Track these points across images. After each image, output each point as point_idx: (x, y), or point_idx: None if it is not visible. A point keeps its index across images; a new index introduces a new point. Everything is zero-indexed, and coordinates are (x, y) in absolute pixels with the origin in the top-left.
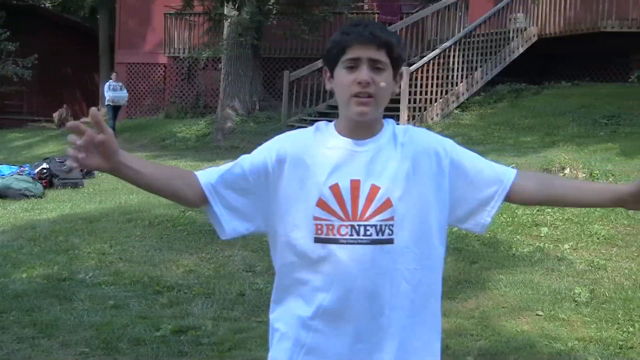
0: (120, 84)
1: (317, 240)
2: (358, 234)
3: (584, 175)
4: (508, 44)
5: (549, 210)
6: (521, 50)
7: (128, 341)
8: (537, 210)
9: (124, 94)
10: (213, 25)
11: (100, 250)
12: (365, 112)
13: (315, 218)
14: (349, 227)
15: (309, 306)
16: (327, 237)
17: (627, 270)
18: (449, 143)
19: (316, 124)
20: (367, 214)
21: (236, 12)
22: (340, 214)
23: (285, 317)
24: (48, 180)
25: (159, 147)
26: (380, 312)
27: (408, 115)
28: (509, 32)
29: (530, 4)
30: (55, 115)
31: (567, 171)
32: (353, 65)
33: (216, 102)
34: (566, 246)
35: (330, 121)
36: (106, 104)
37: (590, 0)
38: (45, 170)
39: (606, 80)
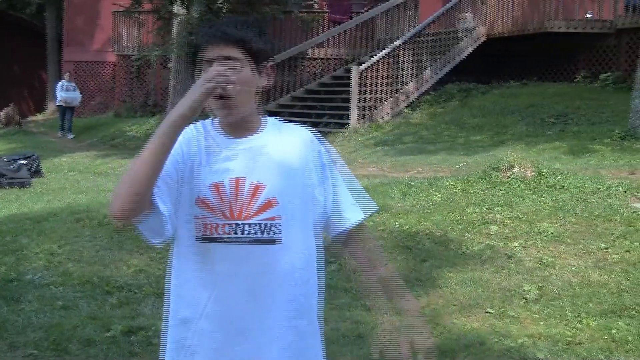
0: (74, 84)
1: (199, 239)
2: (241, 233)
3: (533, 173)
4: (457, 43)
5: (499, 208)
6: (470, 49)
7: (78, 342)
8: (487, 209)
9: (76, 94)
10: (162, 24)
11: (48, 250)
12: (227, 114)
13: (197, 217)
14: (231, 226)
15: (193, 307)
16: (210, 236)
17: (575, 267)
18: (332, 151)
19: (200, 121)
20: (250, 213)
21: (185, 11)
22: (223, 212)
23: (172, 318)
24: None
25: (108, 146)
26: (266, 312)
27: (358, 114)
28: (458, 32)
29: (479, 4)
30: (2, 113)
31: (515, 170)
32: (209, 67)
33: (166, 101)
34: (515, 244)
35: (213, 119)
36: (57, 104)
37: (537, 1)
38: None
39: (554, 80)
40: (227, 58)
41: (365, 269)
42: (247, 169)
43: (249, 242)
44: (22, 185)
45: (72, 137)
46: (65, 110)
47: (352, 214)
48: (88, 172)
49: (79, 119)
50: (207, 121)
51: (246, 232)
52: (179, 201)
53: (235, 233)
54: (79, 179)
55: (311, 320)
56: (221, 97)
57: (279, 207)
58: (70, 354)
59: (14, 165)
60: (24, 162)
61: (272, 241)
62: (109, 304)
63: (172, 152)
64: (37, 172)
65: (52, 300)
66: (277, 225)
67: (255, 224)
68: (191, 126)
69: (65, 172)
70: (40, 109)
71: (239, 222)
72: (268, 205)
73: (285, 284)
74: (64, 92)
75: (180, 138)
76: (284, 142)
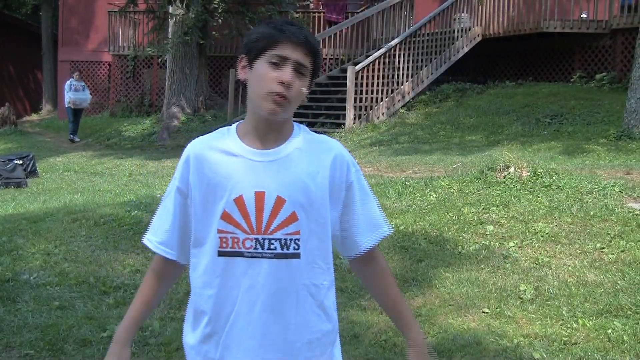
0: (83, 84)
1: (221, 253)
2: (262, 248)
3: (529, 173)
4: (453, 43)
5: (494, 208)
6: (466, 49)
7: (74, 342)
8: (483, 209)
9: (86, 95)
10: (158, 23)
11: (45, 250)
12: (276, 111)
13: (220, 231)
14: (254, 240)
15: (215, 322)
16: (232, 250)
17: (571, 267)
18: (356, 167)
19: (219, 130)
20: (272, 227)
21: (182, 11)
22: (245, 226)
23: (194, 334)
24: None
25: (103, 146)
26: (286, 327)
27: (354, 114)
28: (454, 32)
29: (475, 4)
30: None
31: (511, 170)
32: (279, 62)
33: (162, 101)
34: (511, 244)
35: (229, 124)
36: (66, 106)
37: (533, 1)
38: None
39: (549, 80)
40: (299, 64)
41: (374, 293)
42: (270, 182)
43: (271, 257)
44: (18, 185)
45: (78, 140)
46: (75, 112)
47: (366, 238)
48: (84, 172)
49: None
50: (224, 130)
51: (268, 246)
52: (192, 224)
53: (257, 248)
54: (75, 179)
55: (331, 330)
56: (277, 93)
57: (299, 222)
58: (67, 354)
59: (9, 165)
60: (19, 162)
61: (292, 256)
62: (105, 304)
63: (182, 190)
64: (32, 172)
65: (48, 300)
66: (297, 241)
67: (277, 239)
68: (205, 139)
69: (60, 172)
70: (35, 108)
71: (262, 236)
72: (289, 220)
73: (303, 299)
74: (73, 92)
75: (184, 166)
76: (309, 156)
